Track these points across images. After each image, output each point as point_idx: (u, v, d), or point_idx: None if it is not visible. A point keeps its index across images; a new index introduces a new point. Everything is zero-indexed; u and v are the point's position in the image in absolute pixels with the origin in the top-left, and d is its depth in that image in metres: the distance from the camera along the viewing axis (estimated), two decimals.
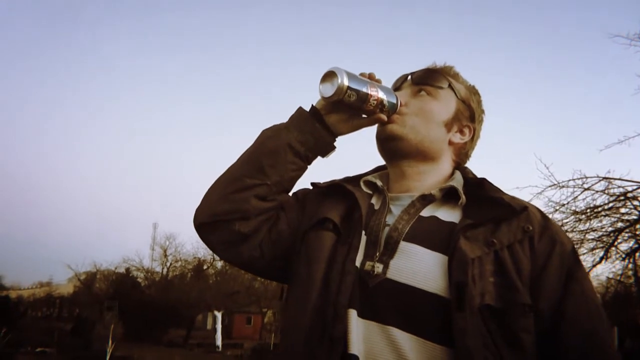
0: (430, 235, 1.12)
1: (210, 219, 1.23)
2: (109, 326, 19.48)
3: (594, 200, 8.69)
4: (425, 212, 1.18)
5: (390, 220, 1.18)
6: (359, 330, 1.05)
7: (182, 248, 34.43)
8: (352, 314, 1.06)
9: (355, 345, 1.04)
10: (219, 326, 27.85)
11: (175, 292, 28.98)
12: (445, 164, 1.28)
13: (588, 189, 8.58)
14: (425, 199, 1.19)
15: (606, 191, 8.59)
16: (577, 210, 8.78)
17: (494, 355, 0.99)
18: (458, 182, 1.24)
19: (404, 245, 1.11)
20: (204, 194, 1.27)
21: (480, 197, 1.17)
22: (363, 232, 1.16)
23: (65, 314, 40.98)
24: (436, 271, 1.06)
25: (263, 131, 1.27)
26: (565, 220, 8.83)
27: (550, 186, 8.64)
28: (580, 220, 8.87)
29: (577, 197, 8.66)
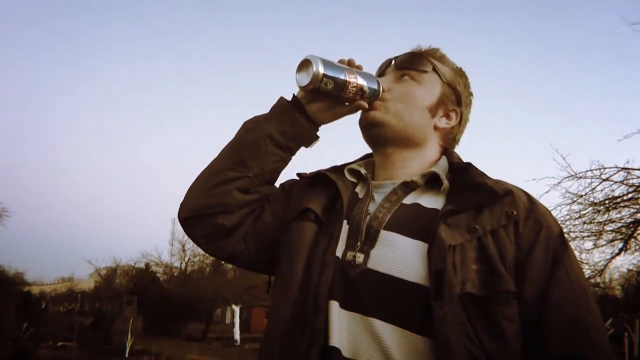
0: (411, 223, 1.09)
1: (193, 213, 1.22)
2: (128, 320, 19.70)
3: (612, 191, 8.54)
4: (408, 200, 1.15)
5: (372, 208, 1.15)
6: (341, 322, 1.03)
7: (199, 247, 34.56)
8: (334, 305, 1.04)
9: (336, 337, 1.02)
10: (237, 320, 28.02)
11: (194, 286, 29.19)
12: (431, 150, 1.25)
13: (606, 179, 8.42)
14: (407, 186, 1.16)
15: (625, 182, 8.43)
16: (595, 201, 8.63)
17: (475, 344, 0.96)
18: (442, 167, 1.20)
19: (384, 234, 1.09)
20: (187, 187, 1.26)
21: (464, 183, 1.13)
22: (345, 222, 1.14)
23: (86, 309, 41.54)
24: (416, 260, 1.03)
25: (244, 122, 1.25)
26: (583, 212, 8.70)
27: (567, 177, 8.51)
28: (598, 211, 8.72)
29: (595, 188, 8.52)
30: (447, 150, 1.27)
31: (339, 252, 1.09)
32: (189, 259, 34.46)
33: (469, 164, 1.19)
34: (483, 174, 1.16)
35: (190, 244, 34.40)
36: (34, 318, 21.53)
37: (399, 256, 1.05)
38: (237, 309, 28.55)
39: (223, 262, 33.22)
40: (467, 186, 1.12)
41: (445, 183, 1.14)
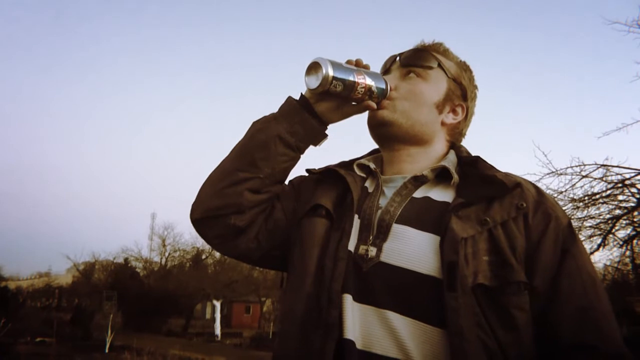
0: (423, 216, 1.11)
1: (205, 214, 1.23)
2: (108, 316, 19.54)
3: (592, 187, 8.69)
4: (418, 193, 1.17)
5: (383, 202, 1.17)
6: (355, 315, 1.05)
7: (180, 238, 34.36)
8: (347, 298, 1.06)
9: (351, 330, 1.03)
10: (217, 315, 27.91)
11: (174, 281, 29.06)
12: (438, 145, 1.26)
13: (586, 176, 8.57)
14: (418, 180, 1.18)
15: (604, 178, 8.58)
16: (575, 197, 8.78)
17: (488, 334, 0.98)
18: (451, 161, 1.22)
19: (396, 228, 1.10)
20: (199, 187, 1.27)
21: (474, 176, 1.15)
22: (356, 216, 1.15)
23: (64, 304, 40.99)
24: (429, 252, 1.05)
25: (253, 123, 1.26)
26: (563, 208, 8.81)
27: (548, 174, 8.64)
28: (578, 207, 8.87)
29: (575, 184, 8.67)
30: (455, 144, 1.29)
31: (351, 247, 1.11)
32: (169, 254, 34.34)
33: (478, 157, 1.20)
34: (492, 167, 1.18)
35: (170, 239, 34.33)
36: (11, 313, 21.21)
37: (412, 249, 1.06)
38: (218, 304, 28.43)
39: (204, 257, 33.18)
40: (476, 179, 1.14)
41: (455, 177, 1.16)
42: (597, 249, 9.13)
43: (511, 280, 1.01)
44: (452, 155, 1.24)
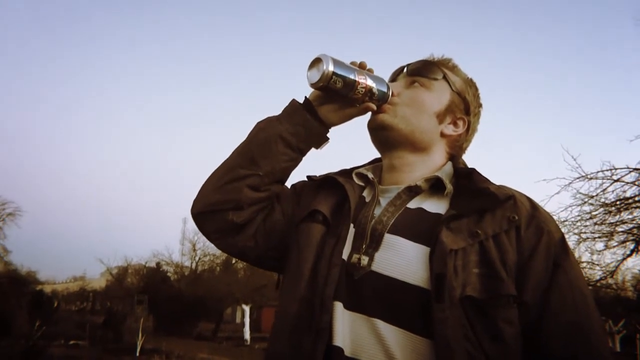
0: (415, 227, 1.11)
1: (204, 209, 1.26)
2: (139, 319, 19.83)
3: (624, 192, 8.49)
4: (412, 204, 1.17)
5: (378, 212, 1.17)
6: (345, 322, 1.06)
7: (210, 242, 34.68)
8: (338, 306, 1.07)
9: (340, 337, 1.04)
10: (247, 320, 28.06)
11: (204, 286, 29.30)
12: (437, 156, 1.26)
13: (618, 180, 8.37)
14: (412, 191, 1.19)
15: (637, 183, 8.36)
16: (606, 202, 8.58)
17: (475, 346, 0.98)
18: (446, 172, 1.22)
19: (388, 238, 1.11)
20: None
21: (468, 188, 1.15)
22: (352, 225, 1.16)
23: (97, 308, 41.81)
24: (418, 263, 1.05)
25: (257, 123, 1.29)
26: (594, 213, 8.65)
27: (578, 178, 8.46)
28: (610, 212, 8.66)
29: (606, 189, 8.47)
30: (454, 156, 1.28)
31: (345, 254, 1.12)
32: (199, 258, 34.60)
33: (473, 170, 1.20)
34: (486, 179, 1.17)
35: (200, 243, 34.59)
36: (46, 317, 21.69)
37: (402, 259, 1.07)
38: (247, 308, 28.59)
39: (234, 262, 33.36)
40: (470, 191, 1.13)
41: (449, 187, 1.16)
42: (631, 255, 8.91)
43: (500, 293, 1.01)
44: (448, 167, 1.25)
